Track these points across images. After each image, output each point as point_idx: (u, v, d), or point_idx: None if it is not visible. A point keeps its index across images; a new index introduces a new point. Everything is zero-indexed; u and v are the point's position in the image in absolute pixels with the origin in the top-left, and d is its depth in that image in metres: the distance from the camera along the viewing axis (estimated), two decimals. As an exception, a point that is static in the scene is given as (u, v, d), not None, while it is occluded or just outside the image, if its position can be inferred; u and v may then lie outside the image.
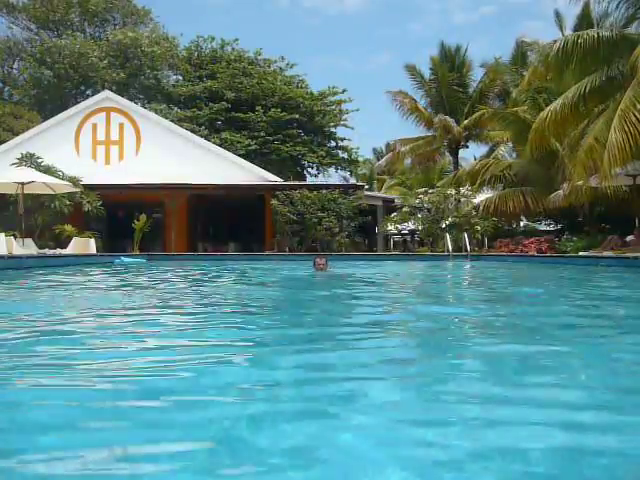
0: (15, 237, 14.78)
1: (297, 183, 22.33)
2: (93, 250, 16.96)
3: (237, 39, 34.24)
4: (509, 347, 3.05)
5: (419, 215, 21.04)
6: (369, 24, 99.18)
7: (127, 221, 19.77)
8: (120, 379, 2.30)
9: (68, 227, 17.78)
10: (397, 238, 31.46)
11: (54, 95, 32.36)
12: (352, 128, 34.73)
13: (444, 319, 4.36)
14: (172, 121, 25.63)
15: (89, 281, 9.31)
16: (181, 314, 4.65)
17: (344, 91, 33.75)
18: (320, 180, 32.97)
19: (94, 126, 22.53)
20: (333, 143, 34.69)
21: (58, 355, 2.84)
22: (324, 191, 20.32)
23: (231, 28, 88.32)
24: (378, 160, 39.97)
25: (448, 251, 18.28)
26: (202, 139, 24.04)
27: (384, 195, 28.92)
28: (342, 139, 34.75)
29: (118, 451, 1.56)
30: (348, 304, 5.78)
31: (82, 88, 33.84)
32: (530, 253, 16.93)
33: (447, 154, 30.85)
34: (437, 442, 1.58)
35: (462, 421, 1.74)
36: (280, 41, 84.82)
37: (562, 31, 21.35)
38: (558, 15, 22.33)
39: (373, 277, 10.33)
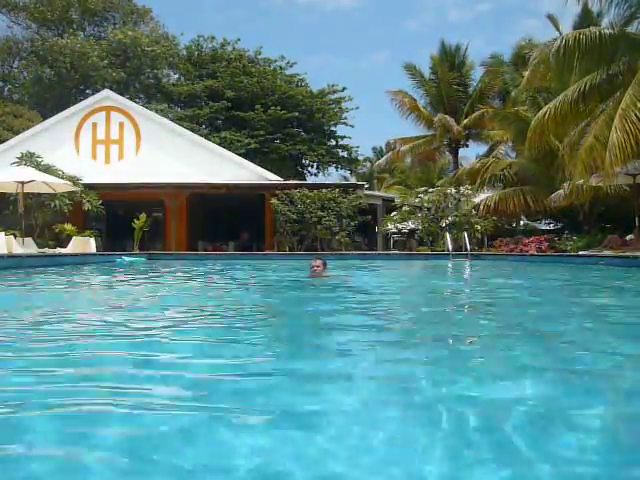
0: (15, 236, 14.78)
1: (297, 182, 22.31)
2: (93, 249, 16.94)
3: (239, 39, 34.27)
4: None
5: (419, 214, 21.02)
6: (365, 21, 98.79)
7: (127, 220, 19.75)
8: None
9: (68, 226, 17.74)
10: (397, 237, 31.53)
11: (54, 94, 32.35)
12: (352, 127, 34.73)
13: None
14: (172, 120, 25.60)
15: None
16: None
17: (344, 89, 33.73)
18: (320, 179, 32.99)
19: (94, 125, 22.49)
20: (333, 142, 34.64)
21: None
22: (324, 190, 20.32)
23: (228, 27, 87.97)
24: (378, 159, 39.93)
25: (448, 250, 18.25)
26: (202, 138, 24.01)
27: (384, 194, 28.88)
28: (342, 138, 34.72)
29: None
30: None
31: (82, 87, 33.84)
32: (530, 252, 16.91)
33: (447, 153, 30.88)
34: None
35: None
36: (277, 39, 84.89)
37: (559, 31, 21.32)
38: (552, 18, 22.33)
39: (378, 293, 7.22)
